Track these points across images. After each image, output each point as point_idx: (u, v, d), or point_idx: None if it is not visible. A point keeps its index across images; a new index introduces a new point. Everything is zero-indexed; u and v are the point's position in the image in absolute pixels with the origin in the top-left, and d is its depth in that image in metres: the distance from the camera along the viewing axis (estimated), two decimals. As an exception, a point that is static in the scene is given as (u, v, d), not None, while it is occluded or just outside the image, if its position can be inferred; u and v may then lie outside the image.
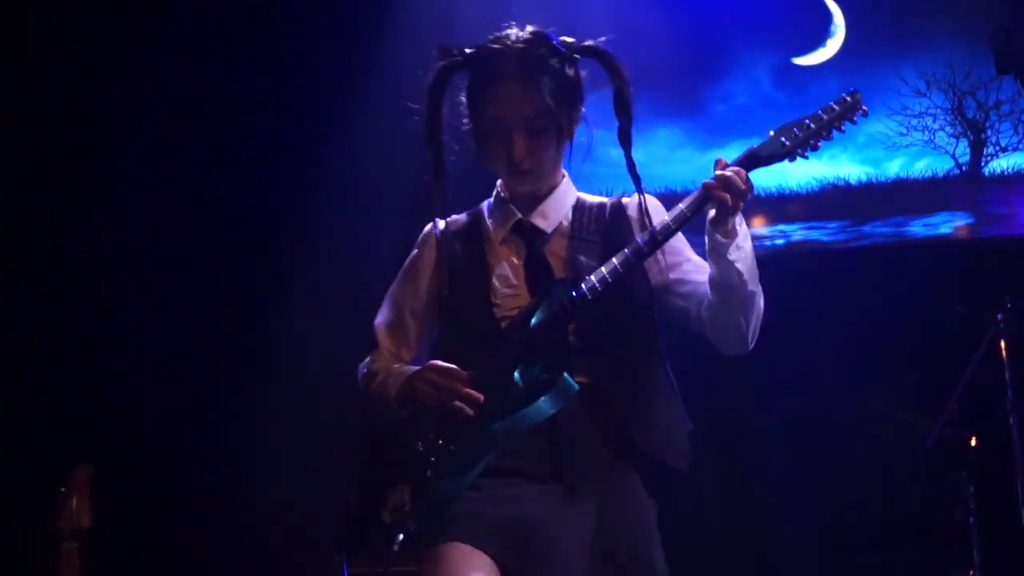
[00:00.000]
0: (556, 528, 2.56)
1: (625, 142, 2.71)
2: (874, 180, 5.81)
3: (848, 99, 2.62)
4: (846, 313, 5.54)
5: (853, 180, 5.82)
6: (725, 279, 2.63)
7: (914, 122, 5.79)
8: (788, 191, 5.76)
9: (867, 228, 5.78)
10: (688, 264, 2.78)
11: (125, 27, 5.60)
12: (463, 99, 2.78)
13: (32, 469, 4.88)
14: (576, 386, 2.57)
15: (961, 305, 4.34)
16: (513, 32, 2.73)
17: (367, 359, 2.92)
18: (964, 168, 5.75)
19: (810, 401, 5.38)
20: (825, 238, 5.80)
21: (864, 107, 2.61)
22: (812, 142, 2.62)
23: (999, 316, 4.20)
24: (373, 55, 5.59)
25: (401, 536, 2.58)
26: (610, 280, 2.58)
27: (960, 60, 5.73)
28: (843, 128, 2.62)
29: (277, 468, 5.49)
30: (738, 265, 2.60)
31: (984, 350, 4.18)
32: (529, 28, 2.75)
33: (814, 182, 5.78)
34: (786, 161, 2.63)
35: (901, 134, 5.79)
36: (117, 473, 4.36)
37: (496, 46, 2.70)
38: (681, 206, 2.62)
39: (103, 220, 5.63)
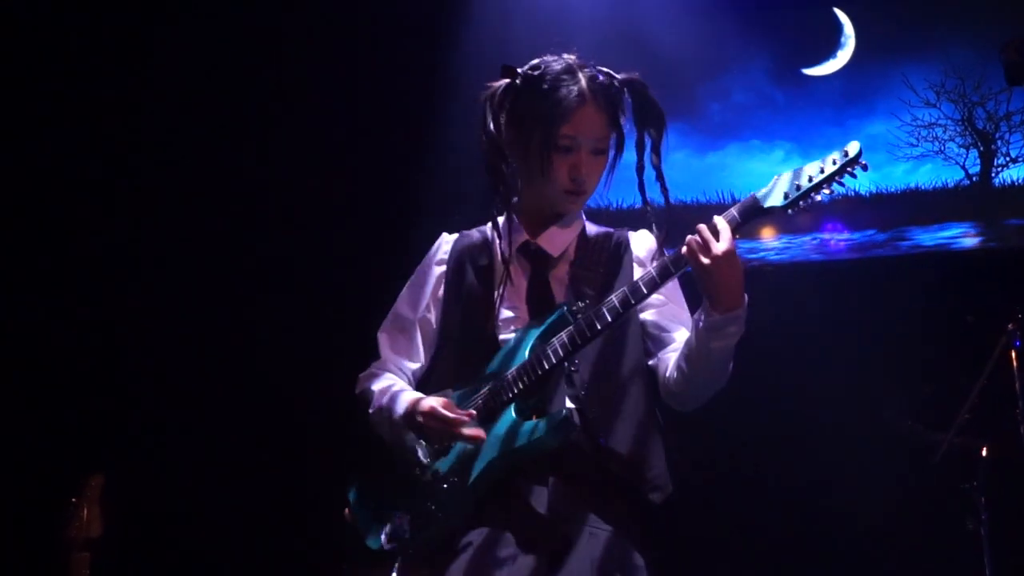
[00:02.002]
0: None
1: (662, 193, 2.79)
2: (884, 191, 5.81)
3: (849, 152, 2.59)
4: (856, 324, 5.54)
5: (863, 191, 5.82)
6: (705, 357, 2.65)
7: (924, 133, 5.79)
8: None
9: (877, 239, 5.78)
10: (667, 308, 2.83)
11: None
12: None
13: (43, 479, 4.89)
14: (577, 422, 2.62)
15: (972, 315, 4.33)
16: (569, 58, 2.82)
17: (368, 371, 2.95)
18: (974, 179, 5.74)
19: (821, 412, 5.37)
20: (834, 248, 5.79)
21: (864, 162, 2.59)
22: (813, 196, 2.60)
23: (1010, 326, 4.19)
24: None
25: (399, 561, 2.67)
26: (608, 318, 2.62)
27: (970, 71, 5.73)
28: (843, 182, 2.60)
29: (287, 477, 5.49)
30: (724, 344, 2.64)
31: (995, 360, 4.17)
32: (572, 57, 2.84)
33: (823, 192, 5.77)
34: (786, 212, 2.63)
35: (911, 144, 5.79)
36: (128, 483, 4.36)
37: (564, 69, 2.80)
38: (665, 260, 2.63)
39: (118, 227, 5.65)
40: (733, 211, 2.60)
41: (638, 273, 2.74)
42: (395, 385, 2.86)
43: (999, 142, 5.73)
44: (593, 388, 2.70)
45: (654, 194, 2.80)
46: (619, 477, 2.70)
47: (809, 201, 2.60)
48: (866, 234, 5.78)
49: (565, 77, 2.78)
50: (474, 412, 2.66)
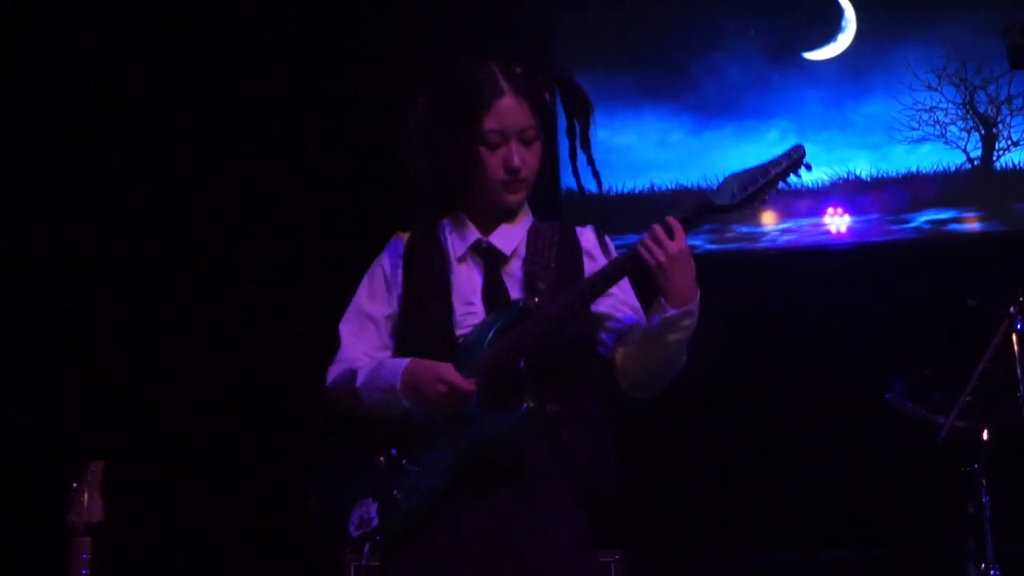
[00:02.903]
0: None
1: (594, 177, 2.87)
2: (885, 175, 5.80)
3: (793, 154, 2.74)
4: (857, 308, 5.54)
5: (864, 175, 5.81)
6: (662, 348, 2.75)
7: (925, 116, 5.79)
8: (798, 185, 5.74)
9: (878, 222, 5.77)
10: (619, 298, 2.88)
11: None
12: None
13: (44, 464, 4.89)
14: (530, 411, 2.68)
15: (974, 299, 4.33)
16: (490, 61, 2.87)
17: (336, 362, 2.94)
18: (976, 163, 5.74)
19: (822, 395, 5.38)
20: (835, 232, 5.79)
21: (808, 163, 2.74)
22: (761, 196, 2.74)
23: (1012, 309, 4.18)
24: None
25: (368, 547, 2.75)
26: (565, 313, 2.70)
27: (972, 54, 5.73)
28: (788, 182, 2.76)
29: (289, 463, 5.49)
30: (680, 337, 2.73)
31: (997, 344, 4.17)
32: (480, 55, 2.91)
33: (824, 176, 5.78)
34: (735, 213, 2.77)
35: (912, 128, 5.78)
36: (129, 469, 4.37)
37: (477, 68, 2.85)
38: (622, 257, 2.74)
39: (109, 213, 5.66)
40: (685, 209, 2.72)
41: (587, 266, 2.86)
42: (382, 359, 2.88)
43: (1000, 126, 5.73)
44: (549, 382, 2.76)
45: (587, 181, 2.88)
46: (576, 471, 2.76)
47: (757, 202, 2.73)
48: (867, 218, 5.78)
49: (479, 74, 2.84)
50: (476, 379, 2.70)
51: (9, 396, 5.40)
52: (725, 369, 5.21)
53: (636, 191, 5.57)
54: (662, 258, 2.66)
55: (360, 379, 2.84)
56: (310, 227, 5.74)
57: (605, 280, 2.72)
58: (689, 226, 2.71)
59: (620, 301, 2.89)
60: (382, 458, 2.79)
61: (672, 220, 2.68)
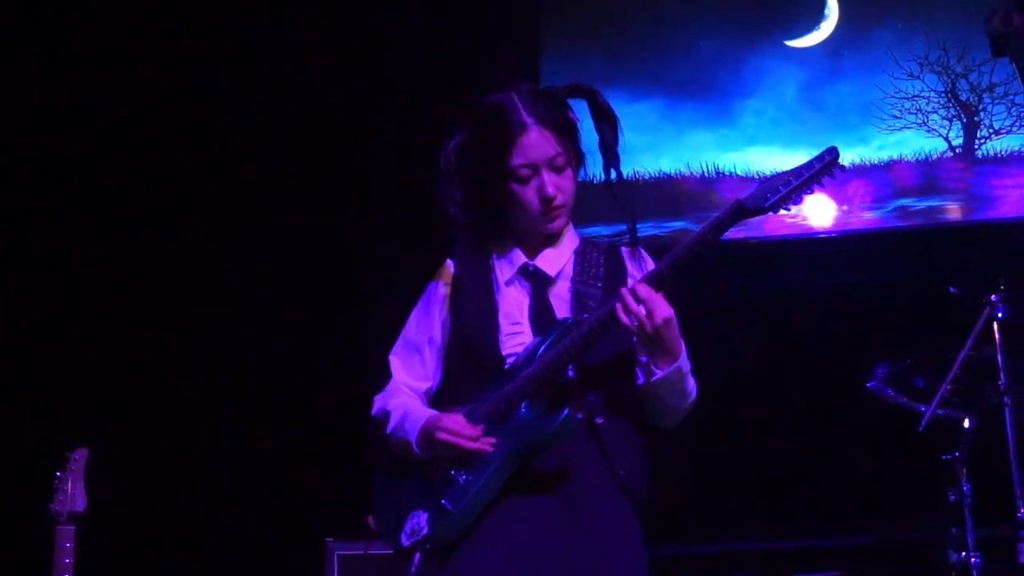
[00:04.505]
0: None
1: (617, 183, 2.93)
2: (867, 163, 5.81)
3: (828, 157, 2.82)
4: (839, 295, 5.56)
5: (846, 163, 5.81)
6: (662, 402, 2.86)
7: (907, 104, 5.79)
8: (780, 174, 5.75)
9: (860, 210, 5.78)
10: None
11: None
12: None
13: (28, 453, 4.88)
14: (578, 420, 2.75)
15: (955, 287, 4.34)
16: (505, 92, 2.92)
17: (383, 392, 3.03)
18: (957, 150, 5.75)
19: (803, 382, 5.40)
20: (818, 221, 5.80)
21: (843, 164, 2.83)
22: (794, 197, 2.81)
23: (994, 297, 4.20)
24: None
25: (418, 555, 2.81)
26: (607, 322, 2.74)
27: (954, 42, 5.73)
28: (823, 184, 2.83)
29: (270, 453, 5.50)
30: (676, 389, 2.82)
31: (978, 332, 4.18)
32: (506, 85, 2.95)
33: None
34: (770, 214, 2.82)
35: (895, 116, 5.79)
36: (113, 457, 4.36)
37: (496, 105, 2.90)
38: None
39: (91, 210, 5.65)
40: (659, 267, 2.78)
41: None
42: (410, 404, 2.96)
43: (982, 114, 5.74)
44: (596, 392, 2.83)
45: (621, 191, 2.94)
46: (618, 478, 2.82)
47: (791, 203, 2.81)
48: (849, 206, 5.79)
49: (499, 111, 2.88)
50: (482, 426, 2.78)
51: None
52: (705, 357, 5.22)
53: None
54: (633, 322, 2.71)
55: (389, 426, 2.93)
56: (293, 222, 5.75)
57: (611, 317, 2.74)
58: (660, 282, 2.74)
59: None
60: (434, 469, 2.84)
61: (647, 291, 2.72)
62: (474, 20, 5.75)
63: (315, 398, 5.45)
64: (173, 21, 5.81)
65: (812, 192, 2.82)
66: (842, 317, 5.51)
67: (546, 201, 2.88)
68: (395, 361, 3.04)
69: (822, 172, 2.80)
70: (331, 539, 4.55)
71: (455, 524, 2.79)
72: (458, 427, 2.78)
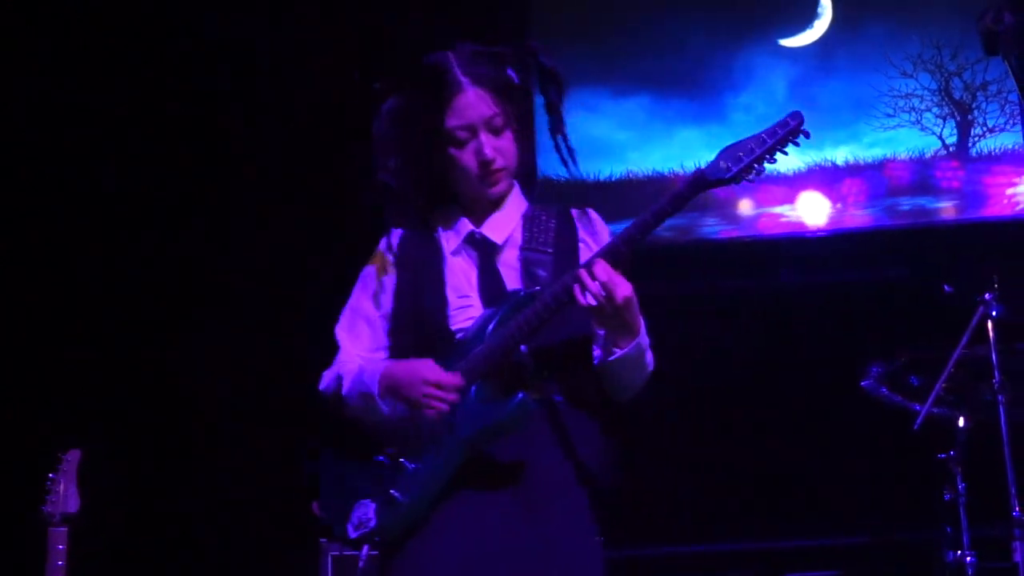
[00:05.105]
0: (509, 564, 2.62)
1: (563, 146, 2.83)
2: (861, 161, 5.81)
3: (791, 123, 2.62)
4: (833, 294, 5.56)
5: (840, 161, 5.82)
6: (618, 378, 2.72)
7: (901, 103, 5.80)
8: (775, 173, 5.75)
9: (853, 209, 5.78)
10: None
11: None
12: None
13: (21, 454, 4.87)
14: (534, 406, 2.62)
15: (949, 285, 4.34)
16: (443, 51, 2.81)
17: (331, 367, 2.91)
18: (951, 149, 5.75)
19: (797, 381, 5.39)
20: (811, 220, 5.80)
21: (806, 130, 2.62)
22: (757, 167, 2.62)
23: (987, 296, 4.20)
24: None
25: (366, 547, 2.80)
26: (563, 299, 2.61)
27: (947, 41, 5.74)
28: (786, 151, 2.63)
29: (266, 453, 5.49)
30: (635, 363, 2.68)
31: (972, 330, 4.18)
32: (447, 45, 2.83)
33: (800, 164, 5.78)
34: (732, 184, 2.64)
35: (888, 115, 5.79)
36: (105, 458, 4.35)
37: (431, 64, 2.79)
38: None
39: (91, 210, 5.64)
40: (617, 244, 2.62)
41: (582, 252, 2.78)
42: (364, 362, 2.84)
43: (976, 112, 5.74)
44: (552, 371, 2.70)
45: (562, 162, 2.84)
46: (576, 460, 2.70)
47: (753, 173, 2.61)
48: (843, 204, 5.79)
49: (434, 71, 2.77)
50: (459, 373, 2.65)
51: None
52: (699, 358, 5.22)
53: (613, 178, 5.58)
54: (593, 302, 2.55)
55: (345, 386, 2.81)
56: (291, 221, 5.74)
57: (566, 292, 2.62)
58: (618, 258, 2.59)
59: None
60: (381, 457, 2.73)
61: (606, 269, 2.56)
62: (464, 19, 5.74)
63: (314, 398, 5.43)
64: (173, 21, 5.79)
65: (774, 160, 2.62)
66: (836, 316, 5.51)
67: (484, 164, 2.75)
68: (343, 334, 2.91)
69: (786, 138, 2.60)
70: (325, 540, 4.54)
71: (405, 515, 2.66)
72: (442, 378, 2.64)
